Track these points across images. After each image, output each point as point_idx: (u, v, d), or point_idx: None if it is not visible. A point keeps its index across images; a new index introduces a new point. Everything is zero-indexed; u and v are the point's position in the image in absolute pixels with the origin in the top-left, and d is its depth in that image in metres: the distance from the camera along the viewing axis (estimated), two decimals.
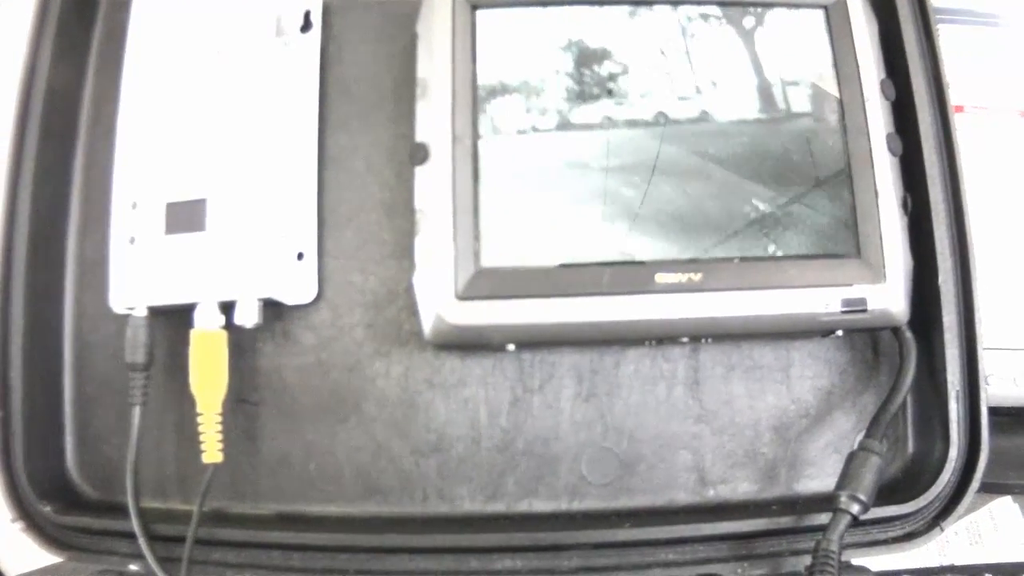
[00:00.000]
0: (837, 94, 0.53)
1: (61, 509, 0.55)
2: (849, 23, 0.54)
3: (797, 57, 0.53)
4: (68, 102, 0.59)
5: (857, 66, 0.53)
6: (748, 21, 0.54)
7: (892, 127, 0.53)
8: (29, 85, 0.57)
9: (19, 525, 0.63)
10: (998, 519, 0.68)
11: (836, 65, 0.53)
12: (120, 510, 0.54)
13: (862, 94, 0.53)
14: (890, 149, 0.53)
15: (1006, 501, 0.68)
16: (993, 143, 0.70)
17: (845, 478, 0.51)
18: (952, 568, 0.56)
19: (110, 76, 0.58)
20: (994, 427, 0.53)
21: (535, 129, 0.52)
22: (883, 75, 0.54)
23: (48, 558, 0.58)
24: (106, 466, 0.57)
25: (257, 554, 0.54)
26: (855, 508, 0.50)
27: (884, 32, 0.55)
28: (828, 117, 0.53)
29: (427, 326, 0.51)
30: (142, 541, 0.52)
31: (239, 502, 0.56)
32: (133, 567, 0.54)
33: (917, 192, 0.54)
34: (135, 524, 0.53)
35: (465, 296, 0.50)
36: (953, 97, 0.56)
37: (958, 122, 0.56)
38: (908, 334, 0.53)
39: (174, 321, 0.55)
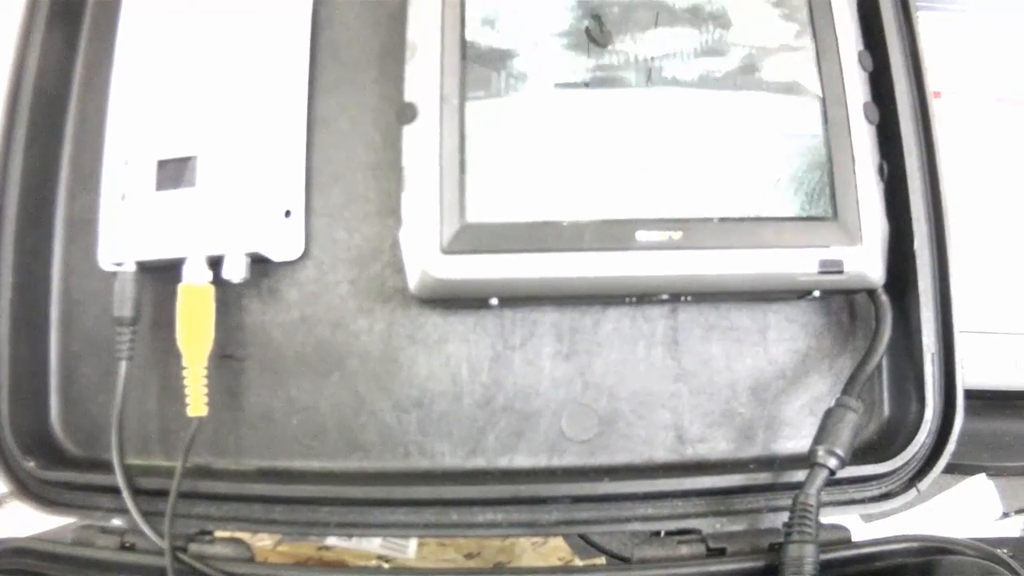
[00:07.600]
0: (816, 63, 0.54)
1: (44, 465, 0.55)
2: None
3: (777, 24, 0.55)
4: (61, 65, 0.59)
5: (835, 36, 0.54)
6: None
7: (869, 97, 0.55)
8: (24, 48, 0.57)
9: None
10: (973, 496, 0.69)
11: (815, 35, 0.55)
12: (103, 466, 0.54)
13: (840, 63, 0.54)
14: (867, 117, 0.54)
15: (980, 478, 0.69)
16: (970, 129, 0.72)
17: (822, 433, 0.51)
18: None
19: (103, 39, 0.58)
20: (968, 410, 0.54)
21: (521, 88, 0.53)
22: (861, 47, 0.55)
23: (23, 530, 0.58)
24: (90, 424, 0.57)
25: (240, 507, 0.54)
26: (832, 462, 0.50)
27: (861, 11, 0.56)
28: (808, 84, 0.54)
29: (412, 280, 0.51)
30: (126, 494, 0.52)
31: (222, 457, 0.56)
32: (116, 521, 0.54)
33: (893, 161, 0.55)
34: (119, 477, 0.53)
35: (450, 250, 0.51)
36: (931, 82, 0.57)
37: (936, 108, 0.57)
38: (884, 297, 0.54)
39: (161, 279, 0.55)
